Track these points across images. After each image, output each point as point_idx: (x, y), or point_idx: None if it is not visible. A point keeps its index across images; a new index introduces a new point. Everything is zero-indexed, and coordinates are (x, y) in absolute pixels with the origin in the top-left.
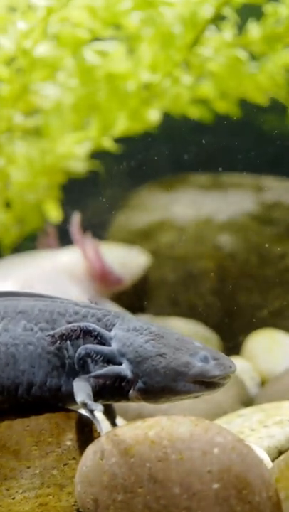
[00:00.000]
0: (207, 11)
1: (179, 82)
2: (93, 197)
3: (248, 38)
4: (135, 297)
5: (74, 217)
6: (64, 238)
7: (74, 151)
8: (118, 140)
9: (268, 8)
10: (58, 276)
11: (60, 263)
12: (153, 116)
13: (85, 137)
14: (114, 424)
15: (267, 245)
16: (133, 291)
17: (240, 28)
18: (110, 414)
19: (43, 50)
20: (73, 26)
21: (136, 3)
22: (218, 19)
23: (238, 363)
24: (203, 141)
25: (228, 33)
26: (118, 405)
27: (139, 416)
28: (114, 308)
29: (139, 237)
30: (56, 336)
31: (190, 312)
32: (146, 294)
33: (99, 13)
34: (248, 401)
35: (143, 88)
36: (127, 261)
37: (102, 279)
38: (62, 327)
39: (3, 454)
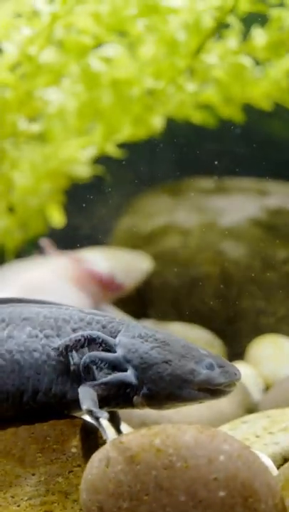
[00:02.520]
0: (211, 19)
1: (182, 89)
2: (97, 202)
3: (253, 45)
4: (138, 302)
5: (43, 242)
6: (67, 243)
7: (77, 156)
8: (121, 145)
9: (273, 14)
10: (60, 281)
11: (63, 268)
12: (157, 122)
13: (88, 142)
14: (118, 430)
15: (270, 250)
16: (136, 295)
17: (245, 34)
18: (115, 421)
19: (47, 56)
20: (78, 32)
21: (141, 10)
22: (222, 26)
23: (242, 368)
24: (207, 147)
25: (232, 40)
26: (122, 412)
27: (143, 423)
28: (115, 313)
29: (142, 242)
30: (61, 348)
31: (193, 317)
32: (149, 298)
33: (104, 19)
34: (251, 407)
35: (147, 94)
36: (131, 266)
37: (105, 284)
38: (67, 338)
39: (8, 461)
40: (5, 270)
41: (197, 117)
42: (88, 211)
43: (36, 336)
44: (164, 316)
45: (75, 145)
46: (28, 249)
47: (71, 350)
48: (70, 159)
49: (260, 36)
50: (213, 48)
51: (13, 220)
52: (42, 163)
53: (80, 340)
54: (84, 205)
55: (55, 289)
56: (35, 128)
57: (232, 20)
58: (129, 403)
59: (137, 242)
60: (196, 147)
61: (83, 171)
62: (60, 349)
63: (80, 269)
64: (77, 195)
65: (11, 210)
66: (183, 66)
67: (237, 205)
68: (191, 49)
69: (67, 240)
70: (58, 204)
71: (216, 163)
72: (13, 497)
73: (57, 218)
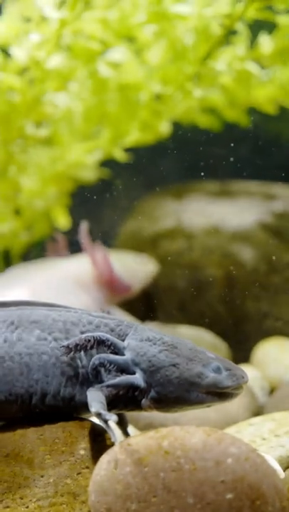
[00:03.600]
0: (220, 25)
1: (190, 94)
2: (102, 205)
3: (260, 51)
4: (144, 305)
5: (82, 225)
6: (73, 246)
7: (84, 159)
8: (127, 148)
9: (280, 21)
10: (67, 284)
11: (69, 271)
12: (164, 127)
13: (95, 146)
14: (126, 433)
15: (275, 254)
16: (142, 298)
17: (252, 40)
18: (122, 424)
19: (55, 61)
20: (86, 38)
21: (149, 16)
22: (230, 33)
23: (248, 371)
24: (213, 150)
25: (240, 46)
26: (129, 414)
27: (150, 425)
28: (122, 315)
29: (147, 245)
30: (71, 346)
31: (198, 320)
32: (154, 301)
33: (112, 25)
34: (257, 410)
35: (154, 99)
36: (136, 268)
37: (111, 286)
38: (77, 337)
39: (17, 463)
40: (13, 272)
41: (203, 121)
42: (94, 214)
43: (45, 339)
44: (169, 319)
45: (82, 149)
46: (34, 251)
47: (80, 350)
48: (77, 163)
49: (267, 43)
50: (221, 54)
51: (19, 223)
52: (48, 166)
53: (89, 340)
54: (90, 208)
55: (62, 291)
56: (43, 132)
57: (240, 26)
58: (137, 406)
59: (142, 244)
60: (201, 150)
61: (89, 174)
62: (70, 347)
63: (101, 268)
64: (84, 198)
65: (17, 212)
66: (191, 72)
67: (243, 209)
68: (199, 55)
69: (73, 242)
70: (64, 207)
71: (223, 164)
72: (21, 498)
73: (62, 221)
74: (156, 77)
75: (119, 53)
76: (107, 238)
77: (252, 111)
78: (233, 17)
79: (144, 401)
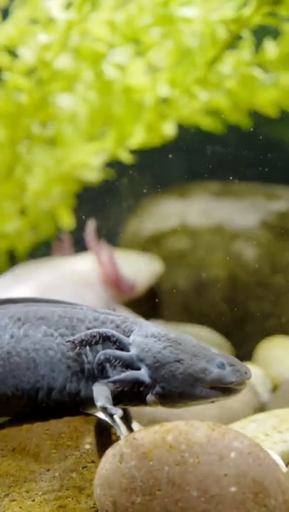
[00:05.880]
0: (226, 30)
1: (196, 98)
2: (106, 204)
3: (265, 57)
4: (148, 304)
5: (89, 224)
6: (78, 245)
7: (89, 160)
8: (132, 149)
9: (285, 28)
10: (72, 283)
11: (75, 270)
12: (169, 129)
13: (100, 147)
14: (130, 428)
15: (278, 254)
16: (146, 297)
17: (257, 46)
18: (127, 419)
19: (62, 62)
20: (93, 40)
21: (155, 19)
22: (236, 38)
23: (250, 369)
24: (216, 151)
25: (245, 51)
26: (133, 410)
27: (154, 420)
28: (127, 314)
29: (151, 244)
30: (76, 341)
31: (202, 319)
32: (158, 300)
33: (119, 27)
34: (259, 407)
35: (160, 102)
36: (140, 268)
37: (116, 285)
38: (82, 333)
39: (23, 457)
40: (18, 271)
41: (207, 124)
42: (98, 213)
43: (51, 335)
44: (173, 318)
45: (87, 150)
46: (39, 251)
47: (85, 345)
48: (81, 164)
49: (271, 49)
50: (227, 59)
51: (25, 223)
52: (54, 167)
53: (95, 336)
54: (95, 207)
55: (68, 290)
56: (49, 132)
57: (245, 32)
58: (142, 401)
59: (146, 244)
60: (205, 152)
61: (94, 175)
62: (76, 342)
63: (106, 267)
64: (89, 198)
65: (22, 212)
66: (197, 75)
67: (246, 209)
68: (206, 59)
69: (78, 241)
70: (69, 207)
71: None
72: (27, 492)
73: (67, 221)
74: (162, 79)
75: (124, 55)
76: (112, 237)
77: (256, 114)
78: (239, 22)
79: (149, 396)
